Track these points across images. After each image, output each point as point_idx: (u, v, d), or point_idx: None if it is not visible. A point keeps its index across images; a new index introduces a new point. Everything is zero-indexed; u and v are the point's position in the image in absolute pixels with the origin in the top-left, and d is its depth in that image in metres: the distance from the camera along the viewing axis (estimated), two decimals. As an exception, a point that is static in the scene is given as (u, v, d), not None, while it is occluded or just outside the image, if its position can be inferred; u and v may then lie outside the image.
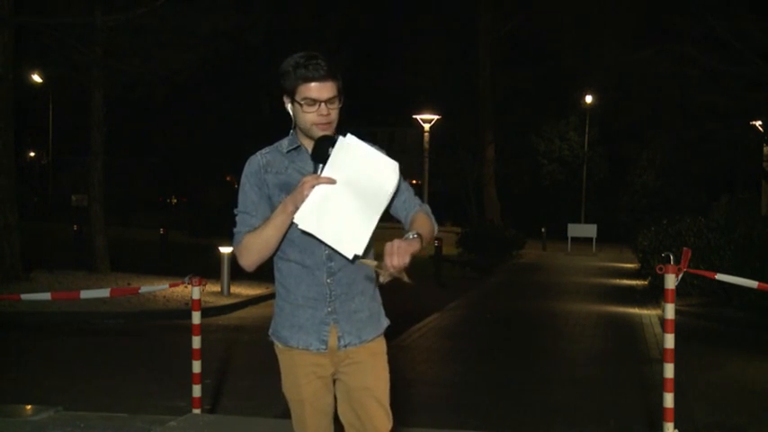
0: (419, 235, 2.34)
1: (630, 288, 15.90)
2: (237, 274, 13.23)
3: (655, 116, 28.68)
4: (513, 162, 37.90)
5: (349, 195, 2.33)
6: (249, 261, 2.49)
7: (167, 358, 7.57)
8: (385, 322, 2.66)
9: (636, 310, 12.11)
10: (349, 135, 2.35)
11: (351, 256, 2.35)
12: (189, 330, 5.14)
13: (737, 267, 10.95)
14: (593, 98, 35.89)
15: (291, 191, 2.40)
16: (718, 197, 22.47)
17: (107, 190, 15.00)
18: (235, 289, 12.34)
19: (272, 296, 13.18)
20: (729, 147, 23.71)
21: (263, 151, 2.56)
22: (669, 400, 4.44)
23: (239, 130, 28.44)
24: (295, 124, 2.50)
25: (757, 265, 11.04)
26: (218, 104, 27.82)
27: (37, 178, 50.67)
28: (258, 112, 28.33)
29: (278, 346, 2.60)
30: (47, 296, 6.04)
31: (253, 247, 2.46)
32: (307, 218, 2.32)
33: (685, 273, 4.43)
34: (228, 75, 26.28)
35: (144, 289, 5.72)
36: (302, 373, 2.55)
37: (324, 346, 2.51)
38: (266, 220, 2.44)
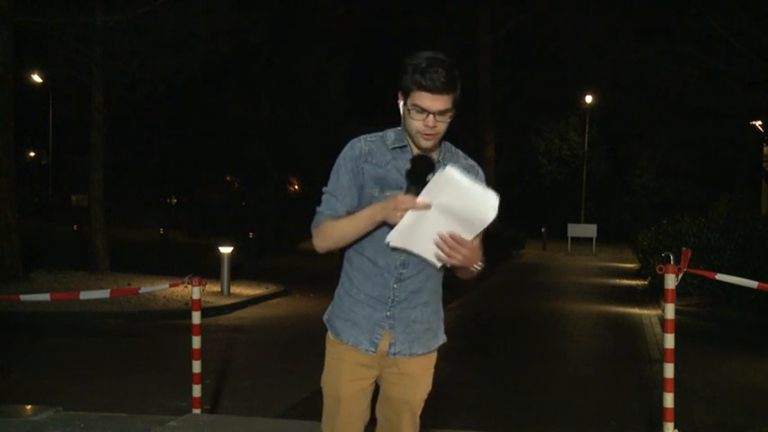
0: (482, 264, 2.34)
1: (630, 288, 15.90)
2: (237, 274, 13.28)
3: (655, 116, 28.67)
4: (513, 162, 37.92)
5: (443, 220, 2.26)
6: (322, 246, 2.46)
7: (167, 358, 7.57)
8: (441, 339, 2.63)
9: (636, 310, 12.11)
10: (449, 167, 2.23)
11: (439, 266, 2.38)
12: (189, 330, 5.14)
13: (737, 267, 10.96)
14: (593, 98, 35.90)
15: (386, 187, 2.38)
16: (718, 197, 22.48)
17: (107, 190, 15.00)
18: (235, 289, 12.34)
19: (271, 296, 13.21)
20: (729, 147, 23.69)
21: (368, 138, 2.49)
22: (669, 400, 4.44)
23: (239, 130, 28.43)
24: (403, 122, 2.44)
25: (757, 265, 11.05)
26: (218, 104, 27.81)
27: (37, 178, 50.65)
28: (258, 112, 28.31)
29: (329, 336, 2.57)
30: (46, 297, 6.03)
31: (329, 235, 2.43)
32: (399, 238, 2.28)
33: (685, 273, 4.43)
34: (228, 75, 26.26)
35: (144, 289, 5.72)
36: (346, 370, 2.51)
37: (373, 349, 2.48)
38: (351, 216, 2.40)
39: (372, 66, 33.45)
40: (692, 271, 4.70)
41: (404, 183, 2.36)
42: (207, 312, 9.92)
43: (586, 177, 37.08)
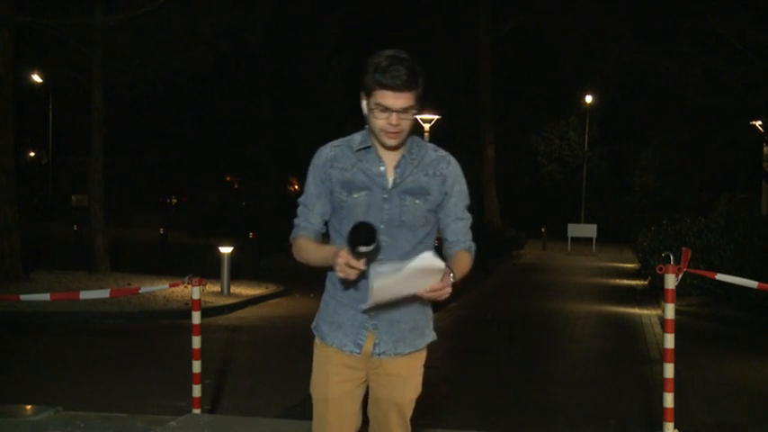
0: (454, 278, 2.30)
1: (630, 288, 15.90)
2: (237, 274, 13.29)
3: (655, 116, 28.70)
4: (513, 162, 37.91)
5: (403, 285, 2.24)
6: (298, 260, 2.54)
7: (167, 358, 7.57)
8: (430, 337, 2.61)
9: (636, 310, 12.11)
10: (381, 273, 2.17)
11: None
12: (189, 330, 5.14)
13: (737, 267, 10.96)
14: (593, 98, 35.90)
15: (353, 190, 2.41)
16: (719, 197, 22.48)
17: (107, 190, 15.00)
18: (235, 289, 12.34)
19: (271, 296, 13.22)
20: (729, 147, 23.70)
21: (334, 143, 2.52)
22: (669, 400, 4.44)
23: (239, 130, 28.43)
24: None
25: (757, 265, 11.05)
26: (218, 104, 27.82)
27: (37, 178, 50.65)
28: (258, 112, 28.31)
29: (316, 341, 2.59)
30: (46, 297, 6.03)
31: (301, 254, 2.51)
32: (374, 302, 2.28)
33: (685, 273, 4.43)
34: (228, 75, 26.27)
35: (144, 289, 5.72)
36: (333, 372, 2.52)
37: (357, 350, 2.48)
38: (316, 248, 2.45)
39: (372, 66, 33.40)
40: (692, 271, 4.70)
41: (370, 183, 2.41)
42: (207, 312, 9.92)
43: (586, 177, 37.07)
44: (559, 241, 29.47)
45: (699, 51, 17.29)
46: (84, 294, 5.68)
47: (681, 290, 10.29)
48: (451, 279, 2.26)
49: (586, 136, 38.09)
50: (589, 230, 28.61)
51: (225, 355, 7.77)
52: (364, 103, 2.40)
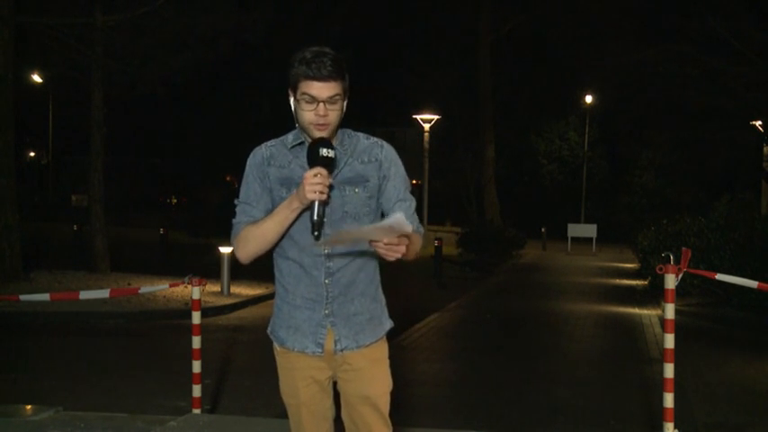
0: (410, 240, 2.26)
1: (630, 288, 15.89)
2: (237, 274, 13.28)
3: (655, 116, 28.67)
4: (513, 162, 37.91)
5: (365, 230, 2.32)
6: (245, 253, 2.45)
7: (167, 358, 7.57)
8: (387, 324, 2.60)
9: (636, 310, 12.10)
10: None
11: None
12: (189, 330, 5.14)
13: (737, 267, 10.96)
14: (593, 98, 35.87)
15: (293, 186, 2.40)
16: (719, 197, 22.48)
17: (107, 190, 14.99)
18: (235, 289, 12.34)
19: (272, 296, 13.15)
20: (729, 147, 23.69)
21: (269, 143, 2.53)
22: (669, 400, 4.44)
23: (239, 130, 28.47)
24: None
25: (757, 265, 11.05)
26: (219, 104, 27.86)
27: (37, 178, 50.67)
28: (258, 112, 28.34)
29: (276, 347, 2.57)
30: (46, 297, 6.03)
31: (250, 238, 2.42)
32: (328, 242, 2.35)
33: (685, 273, 4.43)
34: (228, 75, 26.30)
35: (144, 289, 5.72)
36: (300, 377, 2.51)
37: (320, 350, 2.47)
38: (269, 216, 2.41)
39: (372, 66, 33.47)
40: (692, 271, 4.69)
41: None
42: (207, 312, 9.92)
43: (586, 177, 37.06)
44: (559, 241, 29.45)
45: (699, 51, 17.29)
46: (84, 294, 5.68)
47: (681, 290, 10.29)
48: (408, 231, 2.20)
49: (586, 136, 38.07)
50: (589, 230, 28.58)
51: (225, 355, 7.77)
52: (291, 101, 2.41)
